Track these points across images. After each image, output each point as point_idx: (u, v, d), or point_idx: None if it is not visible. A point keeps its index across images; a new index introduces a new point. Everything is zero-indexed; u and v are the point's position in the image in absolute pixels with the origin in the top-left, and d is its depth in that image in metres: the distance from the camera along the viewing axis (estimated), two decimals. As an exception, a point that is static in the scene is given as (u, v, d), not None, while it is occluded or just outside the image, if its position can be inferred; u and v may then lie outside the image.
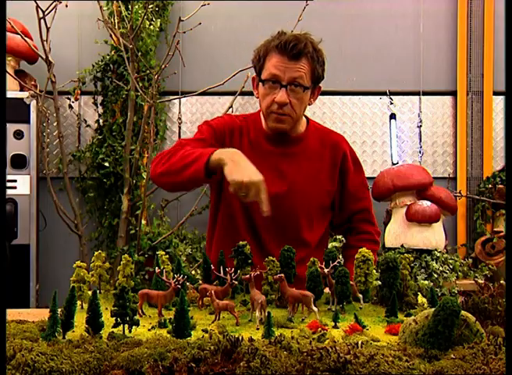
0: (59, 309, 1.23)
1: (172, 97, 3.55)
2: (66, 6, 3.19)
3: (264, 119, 2.00)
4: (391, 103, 3.71)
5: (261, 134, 2.03)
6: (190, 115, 3.70)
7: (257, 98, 2.00)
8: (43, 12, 3.08)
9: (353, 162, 2.11)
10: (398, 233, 3.23)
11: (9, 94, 3.20)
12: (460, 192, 3.64)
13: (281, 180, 1.98)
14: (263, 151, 2.01)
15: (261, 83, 1.92)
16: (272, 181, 1.96)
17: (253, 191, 1.64)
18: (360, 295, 1.55)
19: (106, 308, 1.46)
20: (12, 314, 1.58)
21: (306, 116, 2.12)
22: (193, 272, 3.16)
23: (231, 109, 3.49)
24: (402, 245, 3.18)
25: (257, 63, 1.94)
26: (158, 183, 1.95)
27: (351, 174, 2.08)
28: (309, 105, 2.00)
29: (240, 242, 1.67)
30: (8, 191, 3.18)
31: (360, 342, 1.08)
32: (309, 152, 2.03)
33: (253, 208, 1.97)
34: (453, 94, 3.71)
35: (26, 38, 3.21)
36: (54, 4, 3.11)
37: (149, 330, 1.31)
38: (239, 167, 1.67)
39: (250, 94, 2.04)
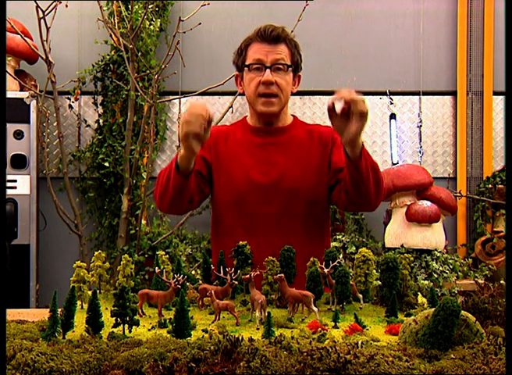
0: (59, 309, 1.23)
1: (172, 97, 3.55)
2: (66, 6, 3.19)
3: (253, 106, 2.03)
4: (391, 103, 3.71)
5: (248, 130, 2.09)
6: (190, 115, 3.69)
7: (242, 92, 2.08)
8: (43, 12, 3.08)
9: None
10: (398, 233, 3.23)
11: (9, 94, 3.20)
12: (460, 192, 3.64)
13: (273, 169, 2.01)
14: (251, 144, 2.05)
15: (246, 70, 2.00)
16: (264, 171, 2.01)
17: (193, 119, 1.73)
18: (360, 295, 1.55)
19: (106, 308, 1.46)
20: (12, 314, 1.58)
21: (293, 115, 2.16)
22: (193, 272, 3.16)
23: (231, 109, 3.49)
24: (402, 245, 3.18)
25: (239, 58, 2.03)
26: (165, 210, 2.06)
27: (338, 151, 2.00)
28: (292, 93, 2.05)
29: (240, 242, 1.68)
30: (8, 191, 3.18)
31: (360, 342, 1.09)
32: (297, 140, 2.06)
33: (247, 200, 1.99)
34: (453, 94, 3.71)
35: (26, 38, 3.21)
36: (54, 4, 3.11)
37: (149, 330, 1.31)
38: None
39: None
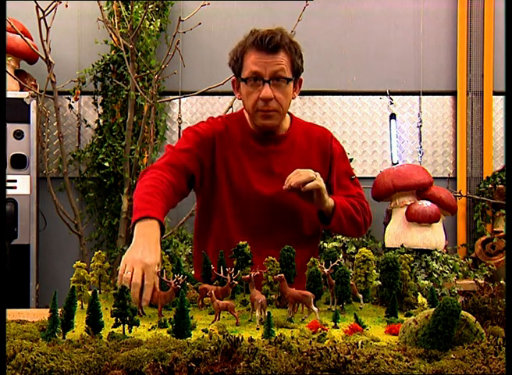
0: (59, 309, 1.23)
1: (172, 97, 3.55)
2: (66, 6, 3.19)
3: (251, 118, 1.98)
4: (391, 103, 3.71)
5: (249, 134, 2.01)
6: (190, 115, 3.70)
7: (239, 99, 1.99)
8: (43, 12, 3.08)
9: (340, 152, 2.08)
10: (398, 233, 3.23)
11: (9, 94, 3.20)
12: (460, 192, 3.64)
13: (274, 179, 1.96)
14: (253, 151, 1.99)
15: (243, 83, 1.91)
16: (265, 181, 1.96)
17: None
18: (360, 295, 1.55)
19: (106, 308, 1.46)
20: (12, 314, 1.58)
21: (289, 113, 2.09)
22: (193, 272, 3.15)
23: (231, 109, 3.49)
24: (402, 245, 3.18)
25: (236, 64, 1.93)
26: None
27: (336, 164, 2.05)
28: (293, 98, 1.98)
29: (240, 242, 1.67)
30: (8, 191, 3.18)
31: (360, 342, 1.08)
32: (297, 148, 2.01)
33: (248, 211, 1.97)
34: (453, 94, 3.72)
35: (26, 38, 3.21)
36: (54, 4, 3.11)
37: (149, 330, 1.31)
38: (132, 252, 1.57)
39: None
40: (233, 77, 2.01)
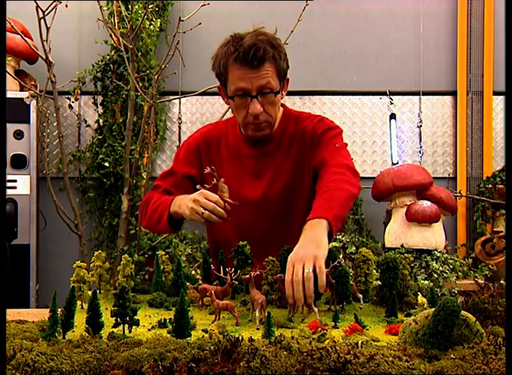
0: (59, 309, 1.23)
1: (172, 97, 3.55)
2: (66, 6, 3.19)
3: (242, 128, 1.96)
4: (391, 103, 3.71)
5: (239, 138, 2.00)
6: (190, 115, 3.70)
7: (228, 104, 1.97)
8: (43, 12, 3.07)
9: (322, 131, 1.94)
10: (398, 233, 3.23)
11: (9, 94, 3.20)
12: (460, 192, 3.64)
13: (260, 182, 1.95)
14: (242, 155, 1.98)
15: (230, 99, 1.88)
16: (252, 185, 1.95)
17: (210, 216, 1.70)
18: (360, 295, 1.55)
19: (106, 308, 1.46)
20: (12, 314, 1.58)
21: (283, 105, 2.03)
22: (193, 272, 3.16)
23: (231, 109, 3.48)
24: (402, 245, 3.18)
25: (220, 75, 1.87)
26: (153, 232, 2.07)
27: (316, 150, 1.93)
28: (281, 98, 1.92)
29: (240, 242, 1.68)
30: (8, 191, 3.18)
31: (360, 342, 1.09)
32: (283, 147, 1.96)
33: (239, 216, 1.94)
34: (453, 94, 3.71)
35: (26, 38, 3.21)
36: (54, 4, 3.11)
37: (149, 330, 1.31)
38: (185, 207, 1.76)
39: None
40: (219, 84, 1.95)
